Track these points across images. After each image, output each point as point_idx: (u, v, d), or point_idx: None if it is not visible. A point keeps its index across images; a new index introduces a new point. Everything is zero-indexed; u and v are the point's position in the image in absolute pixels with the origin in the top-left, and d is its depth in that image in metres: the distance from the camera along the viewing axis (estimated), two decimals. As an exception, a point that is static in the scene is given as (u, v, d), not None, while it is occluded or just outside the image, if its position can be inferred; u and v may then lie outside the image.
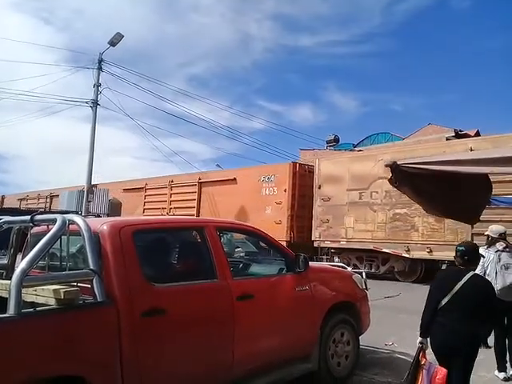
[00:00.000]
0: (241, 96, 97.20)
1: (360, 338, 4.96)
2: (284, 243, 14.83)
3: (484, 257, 4.78)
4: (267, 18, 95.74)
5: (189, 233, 4.06)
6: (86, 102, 19.27)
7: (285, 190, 16.02)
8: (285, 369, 4.03)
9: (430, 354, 3.64)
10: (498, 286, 4.78)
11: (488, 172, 2.64)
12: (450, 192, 3.10)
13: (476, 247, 3.77)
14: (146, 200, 21.53)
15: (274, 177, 16.60)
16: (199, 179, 19.48)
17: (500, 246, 5.06)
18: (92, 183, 19.90)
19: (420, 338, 3.65)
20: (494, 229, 5.23)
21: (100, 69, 19.22)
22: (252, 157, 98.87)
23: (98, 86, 19.24)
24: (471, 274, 3.55)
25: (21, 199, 29.57)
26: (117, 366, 2.81)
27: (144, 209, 21.41)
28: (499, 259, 4.92)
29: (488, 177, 3.37)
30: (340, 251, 14.91)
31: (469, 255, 3.63)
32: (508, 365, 5.03)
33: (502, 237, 5.15)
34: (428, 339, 3.63)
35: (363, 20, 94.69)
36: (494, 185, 3.47)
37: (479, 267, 4.80)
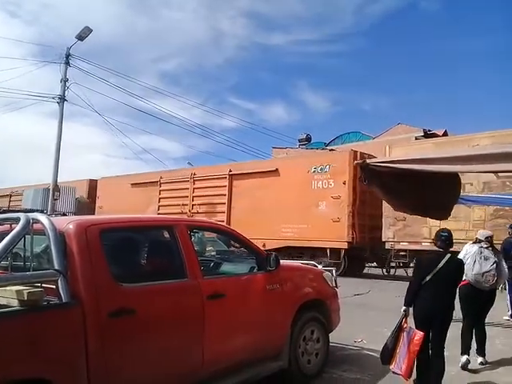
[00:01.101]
0: (213, 93, 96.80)
1: (330, 335, 5.01)
2: (344, 245, 13.85)
3: (467, 250, 5.32)
4: (241, 16, 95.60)
5: (158, 232, 3.99)
6: (53, 98, 18.77)
7: (344, 183, 13.89)
8: (255, 367, 4.03)
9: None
10: (474, 271, 5.16)
11: (456, 171, 2.70)
12: (418, 189, 3.17)
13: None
14: (161, 196, 19.10)
15: (330, 167, 14.34)
16: (230, 171, 16.82)
17: (484, 244, 5.45)
18: (57, 181, 19.06)
19: (404, 307, 4.42)
20: (482, 233, 5.66)
21: (67, 63, 18.76)
22: (224, 155, 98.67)
23: (65, 81, 18.78)
24: (449, 255, 4.38)
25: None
26: (83, 368, 2.74)
27: (159, 206, 18.99)
28: (481, 252, 5.33)
29: (458, 174, 3.45)
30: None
31: (449, 240, 4.40)
32: (472, 352, 5.31)
33: (488, 240, 5.50)
34: (410, 308, 4.39)
35: (336, 20, 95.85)
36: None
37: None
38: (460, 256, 5.24)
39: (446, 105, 78.49)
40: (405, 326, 4.37)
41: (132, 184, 20.19)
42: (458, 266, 4.50)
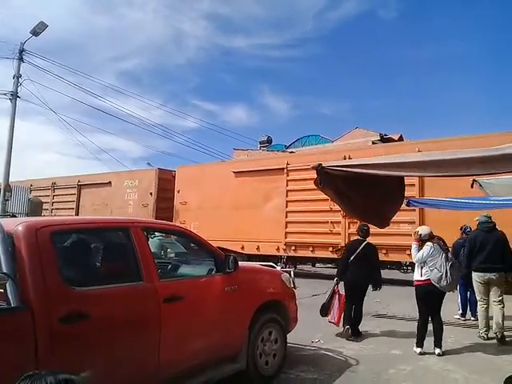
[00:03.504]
0: (174, 94, 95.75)
1: (288, 336, 5.05)
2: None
3: (431, 252, 5.69)
4: (202, 17, 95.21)
5: (113, 233, 3.90)
6: (5, 94, 18.00)
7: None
8: (213, 370, 4.01)
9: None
10: (447, 281, 5.53)
11: (408, 175, 2.79)
12: (367, 195, 3.25)
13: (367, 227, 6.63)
14: (289, 187, 14.07)
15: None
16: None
17: (442, 243, 5.79)
18: (8, 180, 18.04)
19: (337, 278, 6.80)
20: (425, 231, 5.94)
21: (21, 59, 18.04)
22: (185, 156, 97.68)
23: (18, 78, 18.05)
24: (366, 242, 6.77)
25: None
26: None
27: (287, 201, 14.09)
28: (447, 257, 5.65)
29: (403, 181, 3.57)
30: None
31: (368, 231, 6.76)
32: (426, 343, 5.69)
33: (432, 236, 5.79)
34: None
35: (296, 25, 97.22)
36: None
37: (420, 255, 5.76)
38: (424, 255, 5.71)
39: (401, 110, 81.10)
40: (336, 290, 6.72)
41: (237, 172, 15.28)
42: (372, 249, 6.76)
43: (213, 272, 4.31)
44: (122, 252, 3.69)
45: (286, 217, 14.10)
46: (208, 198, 15.63)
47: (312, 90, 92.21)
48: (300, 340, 5.86)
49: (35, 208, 19.85)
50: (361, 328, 6.71)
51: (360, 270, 6.59)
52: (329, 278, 14.84)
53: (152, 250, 4.46)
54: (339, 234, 12.99)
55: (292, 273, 5.89)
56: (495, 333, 6.18)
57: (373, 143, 22.72)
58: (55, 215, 20.14)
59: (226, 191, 15.24)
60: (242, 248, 14.61)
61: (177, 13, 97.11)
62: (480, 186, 5.47)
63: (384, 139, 26.67)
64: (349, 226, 12.63)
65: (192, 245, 5.34)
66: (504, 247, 6.46)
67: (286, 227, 14.07)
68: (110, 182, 19.55)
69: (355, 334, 6.51)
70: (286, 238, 14.09)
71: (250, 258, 14.07)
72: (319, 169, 2.89)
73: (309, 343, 6.06)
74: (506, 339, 6.20)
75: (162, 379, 3.49)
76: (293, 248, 14.07)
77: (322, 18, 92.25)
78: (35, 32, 17.43)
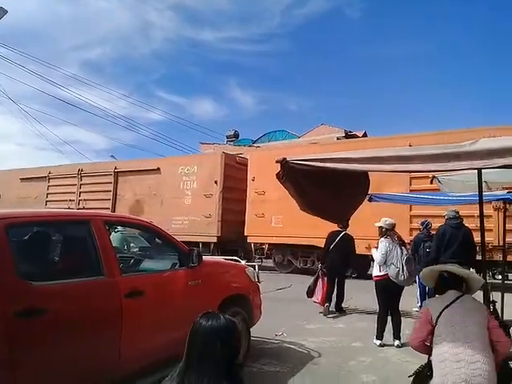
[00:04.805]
0: (140, 85, 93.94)
1: (251, 329, 5.07)
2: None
3: (388, 247, 5.80)
4: (168, 8, 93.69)
5: (73, 227, 3.78)
6: (-40, 81, 17.17)
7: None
8: (176, 365, 3.97)
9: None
10: (404, 276, 5.67)
11: (375, 170, 2.82)
12: (327, 191, 3.28)
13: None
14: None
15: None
16: None
17: (397, 238, 5.93)
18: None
19: (320, 264, 8.04)
20: (388, 221, 5.95)
21: (-23, 45, 17.20)
22: (150, 149, 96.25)
23: (-26, 64, 17.20)
24: (343, 232, 7.88)
25: None
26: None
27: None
28: (402, 252, 5.72)
29: (368, 177, 3.62)
30: None
31: (346, 223, 7.26)
32: (386, 335, 5.86)
33: (394, 228, 5.93)
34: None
35: (263, 19, 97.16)
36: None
37: (379, 255, 5.85)
38: (381, 253, 5.81)
39: (365, 107, 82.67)
40: (320, 275, 7.80)
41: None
42: (348, 239, 7.95)
43: (176, 266, 4.27)
44: (82, 246, 3.59)
45: (410, 210, 11.30)
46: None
47: (279, 85, 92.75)
48: (264, 333, 5.89)
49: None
50: (322, 322, 6.83)
51: (337, 257, 7.82)
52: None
53: (114, 245, 4.38)
54: (491, 230, 9.92)
55: (257, 267, 5.90)
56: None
57: (337, 139, 23.03)
58: (84, 208, 17.50)
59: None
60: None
61: (142, 2, 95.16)
62: (439, 182, 5.62)
63: (348, 135, 27.13)
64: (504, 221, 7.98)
65: (156, 239, 5.27)
66: (470, 243, 6.73)
67: (411, 223, 11.22)
68: (158, 169, 16.57)
69: (339, 310, 7.89)
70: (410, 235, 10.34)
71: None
72: (283, 163, 2.90)
73: (272, 336, 6.11)
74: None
75: (122, 375, 3.44)
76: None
77: (288, 15, 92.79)
78: (-7, 17, 16.66)
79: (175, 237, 4.44)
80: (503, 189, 6.69)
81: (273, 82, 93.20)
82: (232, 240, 15.17)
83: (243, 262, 6.12)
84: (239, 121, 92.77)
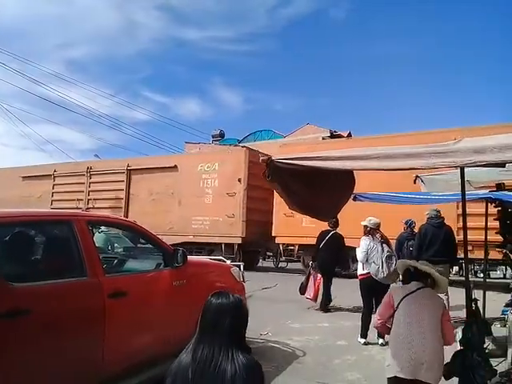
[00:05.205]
0: (125, 85, 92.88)
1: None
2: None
3: (369, 245, 5.91)
4: (155, 8, 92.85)
5: (56, 227, 3.72)
6: None
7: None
8: (160, 365, 3.94)
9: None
10: (384, 273, 5.76)
11: (360, 168, 2.84)
12: (313, 189, 3.30)
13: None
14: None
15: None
16: None
17: (379, 236, 5.99)
18: None
19: (311, 262, 8.45)
20: (372, 221, 6.01)
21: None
22: (135, 148, 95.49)
23: (-47, 62, 16.81)
24: (333, 232, 8.23)
25: None
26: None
27: None
28: (382, 250, 5.74)
29: (353, 175, 3.65)
30: None
31: (337, 223, 8.01)
32: (370, 333, 5.87)
33: (379, 227, 5.99)
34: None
35: (249, 19, 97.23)
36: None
37: (360, 253, 5.96)
38: (362, 251, 5.92)
39: (350, 107, 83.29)
40: (312, 272, 8.14)
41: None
42: (337, 238, 8.27)
43: (161, 266, 4.24)
44: (64, 246, 3.53)
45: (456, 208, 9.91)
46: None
47: (265, 85, 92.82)
48: (249, 333, 5.86)
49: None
50: (307, 321, 6.86)
51: (327, 255, 8.16)
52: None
53: (98, 245, 4.33)
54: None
55: (242, 267, 5.90)
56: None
57: (323, 139, 23.15)
58: (93, 207, 16.87)
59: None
60: None
61: (129, 2, 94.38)
62: (422, 182, 5.69)
63: (334, 135, 27.28)
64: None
65: (140, 239, 5.23)
66: (451, 242, 6.82)
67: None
68: (175, 166, 15.64)
69: (326, 305, 8.15)
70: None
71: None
72: (269, 162, 2.90)
73: (257, 336, 6.10)
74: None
75: (106, 376, 3.41)
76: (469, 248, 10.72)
77: (274, 15, 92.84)
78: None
79: (196, 238, 4.41)
80: (485, 188, 6.79)
81: (259, 82, 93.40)
82: (254, 241, 14.60)
83: (228, 262, 6.12)
84: (225, 120, 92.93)
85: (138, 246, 5.42)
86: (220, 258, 6.34)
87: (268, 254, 16.41)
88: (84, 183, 17.44)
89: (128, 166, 16.55)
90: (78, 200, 17.25)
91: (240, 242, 14.13)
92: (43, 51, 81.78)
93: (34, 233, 3.59)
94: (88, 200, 17.29)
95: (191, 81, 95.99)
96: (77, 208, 16.12)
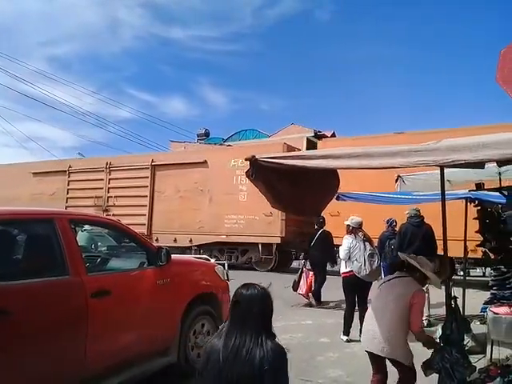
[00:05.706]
0: (109, 83, 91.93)
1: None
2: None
3: (352, 243, 6.01)
4: (138, 5, 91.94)
5: (36, 225, 3.65)
6: None
7: None
8: (144, 364, 3.95)
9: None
10: (366, 270, 5.82)
11: (342, 167, 2.87)
12: (296, 188, 3.33)
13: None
14: None
15: None
16: None
17: (362, 235, 6.07)
18: None
19: (303, 259, 9.31)
20: (354, 220, 6.07)
21: None
22: (118, 146, 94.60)
23: None
24: (321, 230, 8.90)
25: None
26: None
27: None
28: (365, 248, 5.80)
29: (337, 173, 3.68)
30: None
31: (324, 222, 8.89)
32: (353, 331, 5.97)
33: (361, 226, 6.05)
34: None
35: (235, 19, 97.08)
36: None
37: (342, 251, 6.05)
38: (344, 249, 6.00)
39: (334, 108, 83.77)
40: (304, 269, 8.80)
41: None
42: (325, 236, 8.88)
43: (145, 265, 4.22)
44: (46, 245, 3.48)
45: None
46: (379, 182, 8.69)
47: (250, 85, 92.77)
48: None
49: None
50: (290, 318, 6.92)
51: (317, 252, 8.81)
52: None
53: (81, 244, 4.29)
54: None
55: (226, 265, 5.92)
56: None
57: (307, 139, 23.25)
58: (114, 204, 16.08)
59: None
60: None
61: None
62: (403, 182, 5.76)
63: (318, 135, 27.39)
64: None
65: (124, 238, 5.20)
66: (431, 241, 6.91)
67: None
68: (205, 162, 14.91)
69: (317, 299, 8.71)
70: None
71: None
72: (253, 160, 2.92)
73: (241, 334, 6.11)
74: (431, 327, 6.55)
75: (90, 374, 3.40)
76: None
77: (260, 15, 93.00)
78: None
79: (229, 238, 4.37)
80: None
81: (244, 82, 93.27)
82: (290, 241, 14.05)
83: (212, 261, 6.12)
84: (211, 120, 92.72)
85: (122, 244, 5.38)
86: (204, 256, 6.34)
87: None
88: (103, 179, 16.48)
89: (152, 162, 15.78)
90: (96, 197, 16.37)
91: (279, 241, 13.65)
92: (26, 48, 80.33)
93: (15, 231, 3.54)
94: (108, 197, 16.37)
95: (177, 79, 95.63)
96: (95, 206, 15.51)
